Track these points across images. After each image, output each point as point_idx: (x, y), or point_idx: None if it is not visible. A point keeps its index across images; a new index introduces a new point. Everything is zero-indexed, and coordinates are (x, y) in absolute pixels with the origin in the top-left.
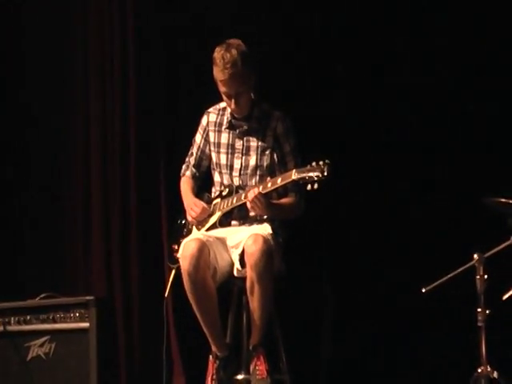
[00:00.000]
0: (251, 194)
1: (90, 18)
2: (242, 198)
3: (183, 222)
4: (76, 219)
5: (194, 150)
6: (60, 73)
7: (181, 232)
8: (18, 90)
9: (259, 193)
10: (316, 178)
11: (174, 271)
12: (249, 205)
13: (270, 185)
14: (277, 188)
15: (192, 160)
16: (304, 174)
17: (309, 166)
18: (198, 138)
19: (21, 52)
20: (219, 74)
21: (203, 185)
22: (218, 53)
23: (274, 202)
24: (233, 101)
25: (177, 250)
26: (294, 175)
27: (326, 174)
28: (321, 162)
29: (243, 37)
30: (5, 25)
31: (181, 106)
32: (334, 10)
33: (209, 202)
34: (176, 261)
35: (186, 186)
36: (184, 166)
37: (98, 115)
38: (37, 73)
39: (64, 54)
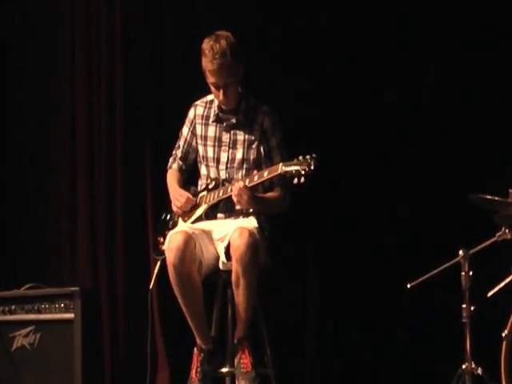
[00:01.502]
0: (236, 187)
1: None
2: (228, 190)
3: (169, 214)
4: (61, 209)
5: (181, 142)
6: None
7: (167, 224)
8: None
9: (244, 186)
10: (303, 172)
11: (159, 263)
12: (234, 198)
13: (256, 178)
14: (263, 181)
15: (179, 153)
16: (291, 168)
17: (295, 160)
18: (185, 130)
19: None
20: (208, 64)
21: (190, 178)
22: (206, 43)
23: (260, 195)
24: (221, 91)
25: (162, 242)
26: (281, 169)
27: (312, 167)
28: (307, 156)
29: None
30: None
31: (168, 97)
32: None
33: (195, 194)
34: (161, 253)
35: (172, 178)
36: (171, 159)
37: (85, 103)
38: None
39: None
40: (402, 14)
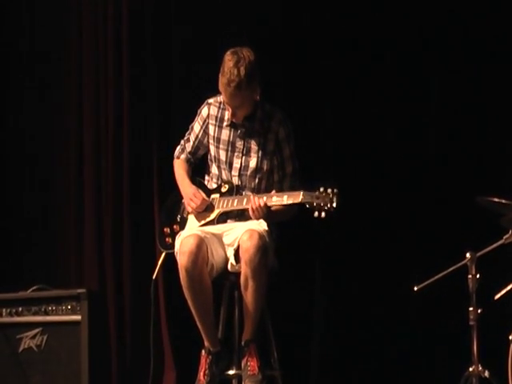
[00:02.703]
0: (255, 204)
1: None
2: (244, 203)
3: (175, 205)
4: (68, 210)
5: (192, 137)
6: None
7: (174, 216)
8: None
9: (265, 204)
10: (324, 207)
11: (163, 255)
12: (251, 212)
13: (274, 199)
14: (280, 205)
15: (188, 147)
16: (312, 200)
17: (317, 192)
18: (197, 127)
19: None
20: (223, 84)
21: (195, 169)
22: (227, 61)
23: (274, 209)
24: (230, 111)
25: (168, 234)
26: (301, 198)
27: (334, 205)
28: (329, 190)
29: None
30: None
31: (175, 93)
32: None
33: (206, 192)
34: (166, 246)
35: (181, 170)
36: (179, 148)
37: (92, 102)
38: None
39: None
40: (405, 17)
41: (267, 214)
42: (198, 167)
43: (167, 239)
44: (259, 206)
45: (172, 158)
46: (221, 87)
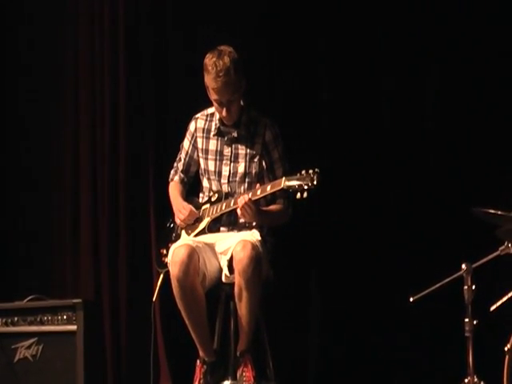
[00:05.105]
0: (241, 201)
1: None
2: (232, 204)
3: (172, 225)
4: (64, 220)
5: (182, 155)
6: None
7: (169, 236)
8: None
9: (249, 199)
10: (306, 187)
11: (162, 275)
12: (239, 211)
13: (259, 192)
14: (266, 195)
15: (180, 165)
16: (293, 183)
17: (298, 175)
18: (186, 143)
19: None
20: (211, 82)
21: (191, 190)
22: (209, 60)
23: (264, 208)
24: (224, 109)
25: (165, 255)
26: (284, 183)
27: (315, 183)
28: (310, 171)
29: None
30: None
31: (170, 110)
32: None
33: (198, 206)
34: (164, 265)
35: (174, 190)
36: (172, 171)
37: (88, 123)
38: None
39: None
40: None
41: (256, 212)
42: (194, 188)
43: (163, 258)
44: (245, 202)
45: (168, 174)
46: (210, 84)
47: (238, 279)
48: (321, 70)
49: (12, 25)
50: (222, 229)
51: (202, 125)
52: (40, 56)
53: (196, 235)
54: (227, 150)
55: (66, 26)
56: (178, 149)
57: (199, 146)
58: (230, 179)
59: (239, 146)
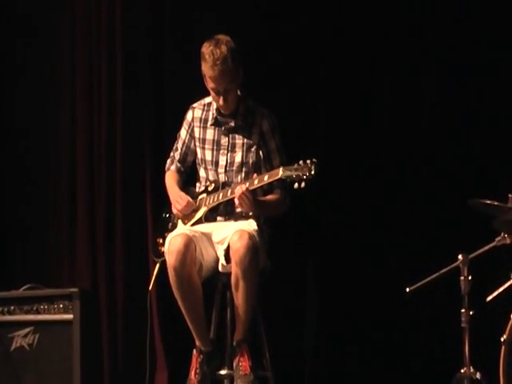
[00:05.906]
0: (238, 190)
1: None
2: (229, 194)
3: (168, 215)
4: (61, 209)
5: (179, 144)
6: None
7: (166, 226)
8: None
9: (247, 189)
10: (303, 177)
11: (158, 265)
12: (236, 201)
13: (256, 182)
14: (263, 185)
15: (177, 155)
16: (291, 173)
17: (296, 165)
18: (183, 133)
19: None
20: (208, 70)
21: (188, 180)
22: (206, 48)
23: (261, 198)
24: (221, 97)
25: (162, 244)
26: (281, 173)
27: (312, 172)
28: (308, 161)
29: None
30: None
31: (168, 99)
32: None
33: (194, 196)
34: (160, 254)
35: (171, 180)
36: (169, 161)
37: (85, 110)
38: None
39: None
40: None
41: (254, 202)
42: (191, 178)
43: (159, 248)
44: (243, 192)
45: (165, 163)
46: (207, 73)
47: (234, 269)
48: (321, 69)
49: (9, 25)
50: (218, 218)
51: (199, 114)
52: (38, 56)
53: (193, 225)
54: (224, 140)
55: (62, 25)
56: (174, 138)
57: (196, 135)
58: (227, 169)
59: (236, 136)
